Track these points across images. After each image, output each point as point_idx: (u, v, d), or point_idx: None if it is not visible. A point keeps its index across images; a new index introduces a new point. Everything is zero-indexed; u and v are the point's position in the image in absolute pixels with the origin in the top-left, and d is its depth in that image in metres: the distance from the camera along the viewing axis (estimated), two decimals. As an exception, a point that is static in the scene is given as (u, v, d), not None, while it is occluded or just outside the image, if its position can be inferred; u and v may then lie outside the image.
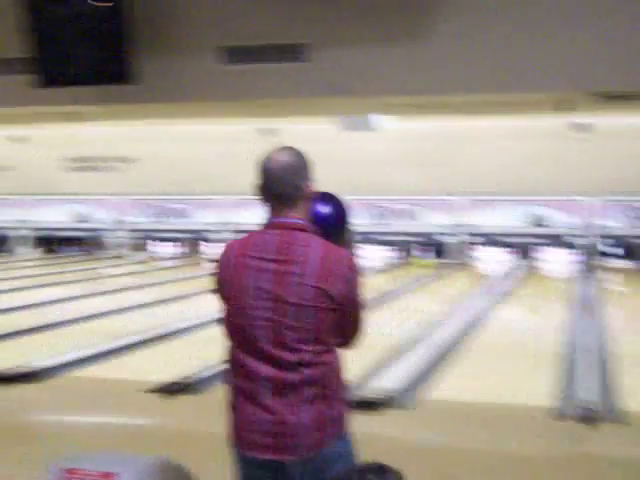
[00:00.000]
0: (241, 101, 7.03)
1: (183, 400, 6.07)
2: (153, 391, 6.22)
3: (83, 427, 5.79)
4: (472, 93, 6.51)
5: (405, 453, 5.08)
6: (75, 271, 16.04)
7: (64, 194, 19.62)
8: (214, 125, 16.13)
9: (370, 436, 5.42)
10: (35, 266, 17.97)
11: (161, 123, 16.51)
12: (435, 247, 17.60)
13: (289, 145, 2.57)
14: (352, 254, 2.57)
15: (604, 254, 16.32)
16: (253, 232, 2.55)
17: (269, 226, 2.51)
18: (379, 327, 10.17)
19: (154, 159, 18.80)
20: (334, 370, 2.51)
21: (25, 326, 9.00)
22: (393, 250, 18.05)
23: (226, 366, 2.55)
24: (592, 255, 16.23)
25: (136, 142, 18.80)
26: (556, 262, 16.70)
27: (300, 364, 2.43)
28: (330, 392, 2.48)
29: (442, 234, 17.41)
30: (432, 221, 17.50)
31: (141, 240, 19.36)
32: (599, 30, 6.27)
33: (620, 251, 16.35)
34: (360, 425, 5.60)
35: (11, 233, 19.95)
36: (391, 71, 6.21)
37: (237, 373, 2.49)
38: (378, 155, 17.24)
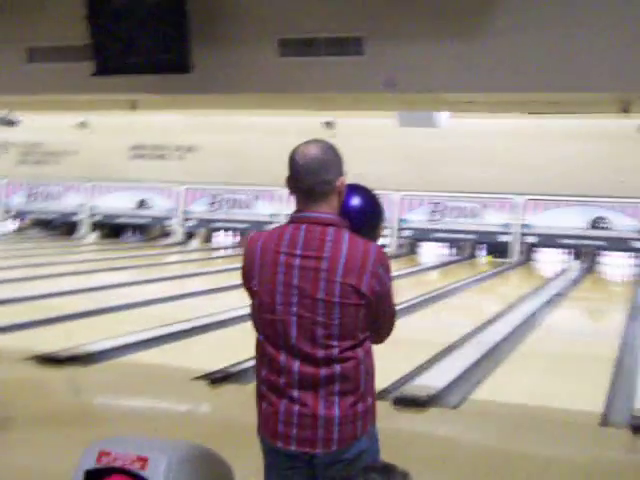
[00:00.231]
0: (297, 94, 7.04)
1: (229, 389, 6.13)
2: (200, 378, 6.30)
3: (127, 411, 5.90)
4: (530, 92, 6.39)
5: (445, 451, 5.05)
6: (133, 257, 16.31)
7: (125, 181, 19.94)
8: (278, 117, 16.14)
9: (412, 433, 5.42)
10: (95, 251, 18.34)
11: (222, 114, 16.62)
12: (492, 246, 17.42)
13: (319, 138, 2.52)
14: (382, 248, 2.52)
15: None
16: (280, 225, 2.52)
17: (297, 220, 2.48)
18: (429, 324, 10.12)
19: (216, 149, 18.98)
20: (364, 365, 2.48)
21: (81, 309, 9.20)
22: (449, 247, 17.95)
23: (255, 358, 2.55)
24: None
25: (198, 132, 18.99)
26: (615, 265, 16.37)
27: (329, 359, 2.41)
28: (359, 387, 2.45)
29: (500, 233, 17.21)
30: (490, 219, 17.32)
31: (200, 229, 19.60)
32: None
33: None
34: (402, 422, 5.62)
35: (73, 218, 20.40)
36: (448, 67, 6.14)
37: (266, 366, 2.49)
38: (436, 151, 17.12)
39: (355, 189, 2.74)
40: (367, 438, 2.48)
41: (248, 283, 2.53)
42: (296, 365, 2.42)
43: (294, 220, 2.49)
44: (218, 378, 6.25)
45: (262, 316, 2.49)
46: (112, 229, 20.23)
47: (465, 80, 6.12)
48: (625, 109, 8.21)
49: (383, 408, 5.52)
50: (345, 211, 2.56)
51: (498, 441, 5.39)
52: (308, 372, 2.41)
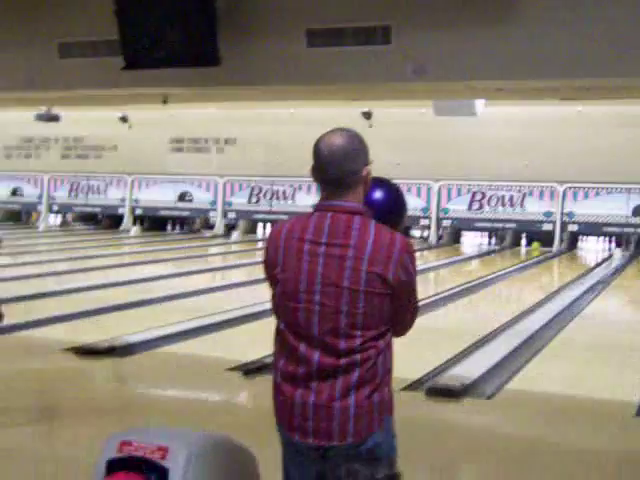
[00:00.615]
0: (325, 85, 7.03)
1: (263, 380, 6.17)
2: (235, 369, 6.35)
3: (162, 401, 5.98)
4: (560, 79, 6.30)
5: (479, 442, 5.04)
6: (175, 249, 16.47)
7: (166, 174, 20.13)
8: (316, 108, 16.13)
9: (445, 423, 5.41)
10: (137, 244, 18.57)
11: (260, 106, 16.66)
12: (534, 234, 17.26)
13: (343, 127, 2.48)
14: (407, 238, 2.48)
15: None
16: (305, 214, 2.50)
17: (322, 208, 2.46)
18: (469, 313, 10.08)
19: (255, 141, 19.05)
20: (383, 356, 2.44)
21: (123, 301, 9.33)
22: (490, 236, 17.82)
23: (274, 348, 2.52)
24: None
25: (237, 124, 19.08)
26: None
27: (351, 349, 2.38)
28: (377, 377, 2.42)
29: (542, 222, 17.02)
30: (531, 208, 17.13)
31: (240, 221, 19.71)
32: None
33: None
34: (436, 412, 5.61)
35: (115, 211, 20.68)
36: (477, 55, 6.06)
37: (285, 355, 2.47)
38: (475, 140, 16.97)
39: (378, 183, 2.71)
40: (382, 431, 2.43)
41: (271, 271, 2.51)
42: (316, 355, 2.39)
43: (319, 209, 2.47)
44: (252, 369, 6.30)
45: (284, 304, 2.46)
46: (154, 222, 20.46)
47: (494, 67, 6.04)
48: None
49: (417, 398, 5.55)
50: (367, 202, 2.52)
51: (532, 431, 5.34)
52: (328, 363, 2.38)
